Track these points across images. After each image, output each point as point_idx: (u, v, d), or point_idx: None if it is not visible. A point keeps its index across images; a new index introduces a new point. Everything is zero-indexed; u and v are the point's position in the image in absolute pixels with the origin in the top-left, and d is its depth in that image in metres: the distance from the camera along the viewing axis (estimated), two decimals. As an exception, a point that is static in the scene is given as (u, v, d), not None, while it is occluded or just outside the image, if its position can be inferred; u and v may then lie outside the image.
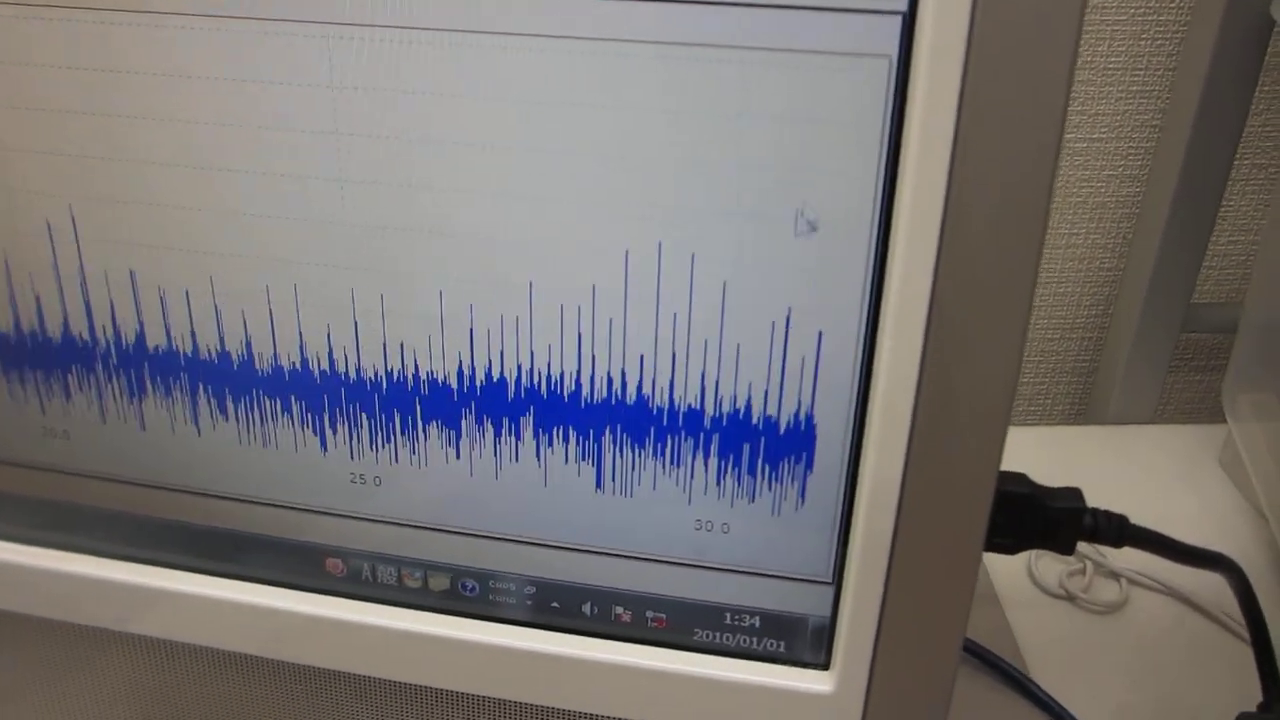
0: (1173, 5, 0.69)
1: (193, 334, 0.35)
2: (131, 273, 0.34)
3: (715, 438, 0.33)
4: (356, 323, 0.33)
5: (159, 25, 0.31)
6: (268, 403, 0.35)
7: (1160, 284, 0.72)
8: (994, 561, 0.61)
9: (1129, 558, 0.59)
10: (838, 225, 0.29)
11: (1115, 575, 0.60)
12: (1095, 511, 0.41)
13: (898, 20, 0.27)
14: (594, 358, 0.32)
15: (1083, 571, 0.60)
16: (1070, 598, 0.59)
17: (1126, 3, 0.69)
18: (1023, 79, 0.26)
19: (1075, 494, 0.41)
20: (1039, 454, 0.70)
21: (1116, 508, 0.47)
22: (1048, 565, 0.61)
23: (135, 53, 0.31)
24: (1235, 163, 0.72)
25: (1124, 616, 0.58)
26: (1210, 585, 0.57)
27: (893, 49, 0.27)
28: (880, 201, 0.29)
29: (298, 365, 0.34)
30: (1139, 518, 0.50)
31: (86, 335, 0.36)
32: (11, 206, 0.34)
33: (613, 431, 0.33)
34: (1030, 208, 0.28)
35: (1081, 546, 0.59)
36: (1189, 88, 0.67)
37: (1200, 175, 0.69)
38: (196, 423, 0.36)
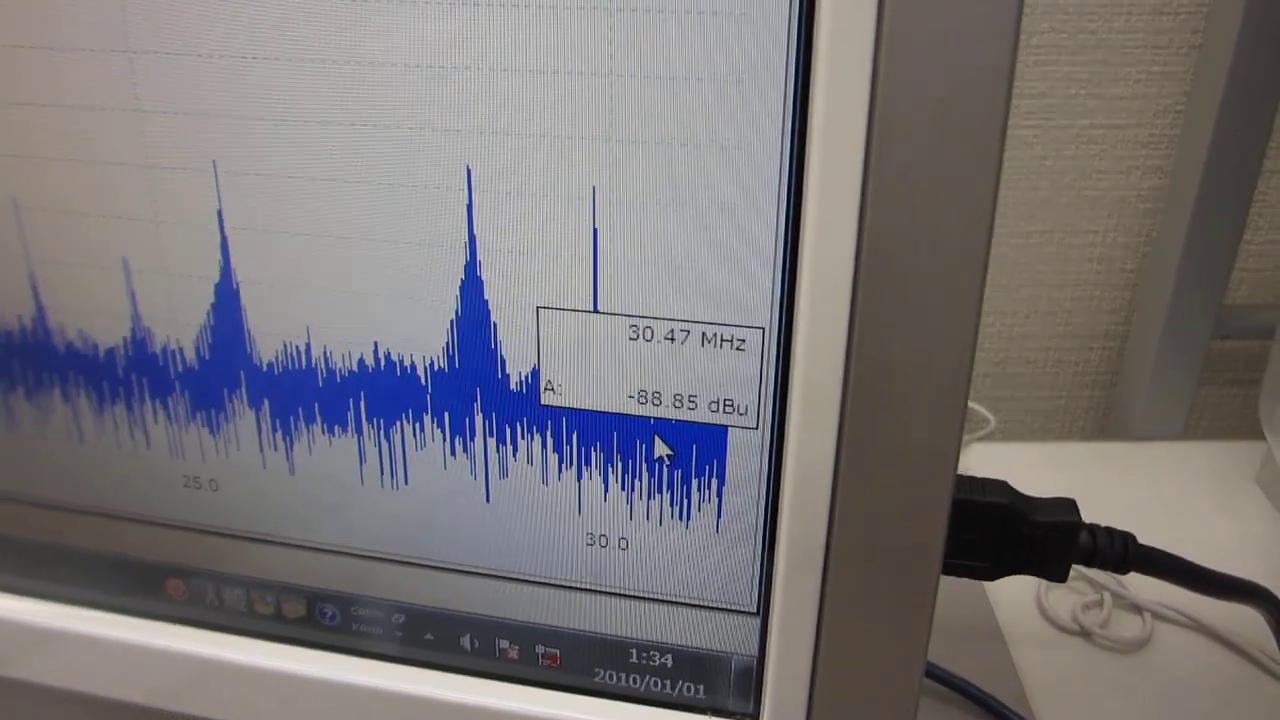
0: None
1: None
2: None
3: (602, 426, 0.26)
4: (172, 295, 0.27)
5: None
6: (75, 387, 0.29)
7: (1187, 285, 0.68)
8: (997, 591, 0.55)
9: (1154, 586, 0.53)
10: (740, 167, 0.23)
11: (1137, 608, 0.54)
12: (1094, 528, 0.34)
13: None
14: (454, 325, 0.26)
15: (1099, 603, 0.54)
16: (1085, 633, 0.53)
17: None
18: None
19: (1068, 506, 0.34)
20: (1056, 473, 0.66)
21: (1141, 532, 0.41)
22: (1060, 596, 0.55)
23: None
24: (1271, 151, 0.68)
25: (1147, 656, 0.52)
26: (1250, 620, 0.51)
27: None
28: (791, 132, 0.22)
29: (106, 343, 0.28)
30: (1166, 544, 0.44)
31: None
32: None
33: (483, 422, 0.27)
34: (987, 115, 0.21)
35: (1092, 572, 0.54)
36: (1216, 68, 0.63)
37: (1230, 165, 0.65)
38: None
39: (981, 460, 0.65)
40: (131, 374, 0.29)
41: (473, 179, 0.25)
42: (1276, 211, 0.71)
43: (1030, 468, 0.66)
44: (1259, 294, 0.73)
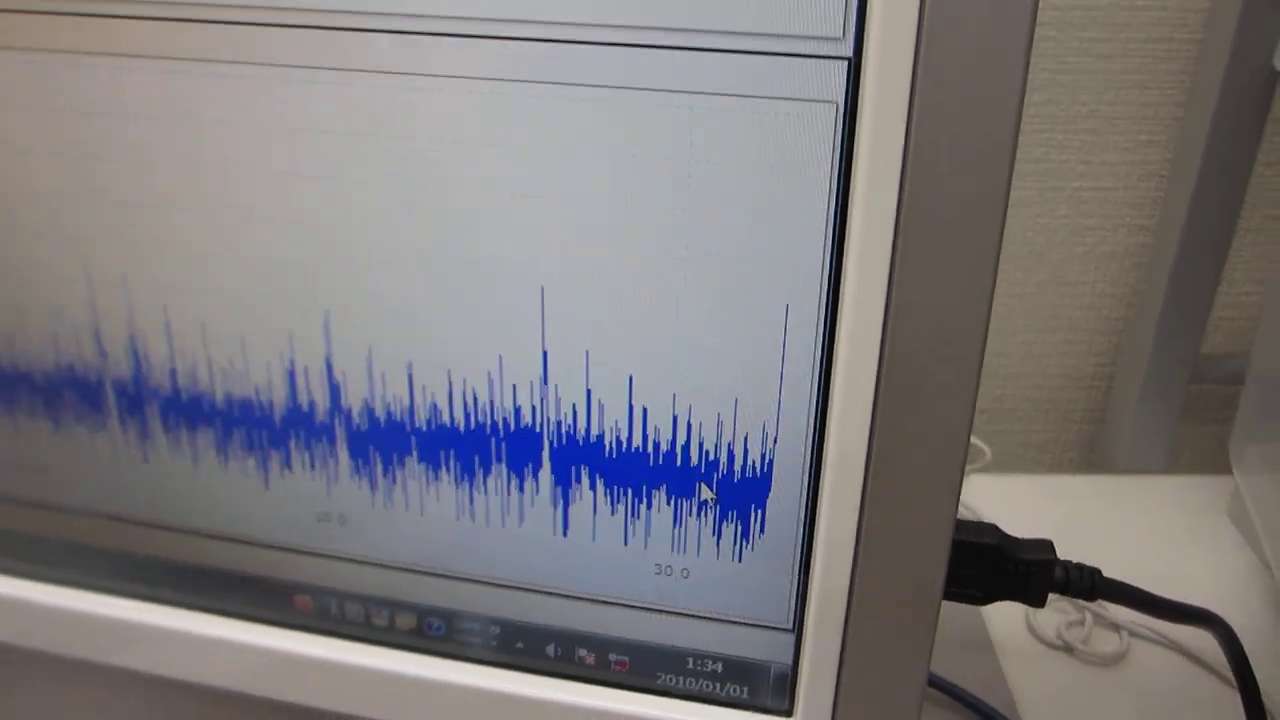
0: (1179, 55, 0.69)
1: (171, 371, 0.35)
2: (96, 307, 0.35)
3: (673, 482, 0.33)
4: (329, 364, 0.34)
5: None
6: (232, 438, 0.36)
7: (1167, 334, 0.72)
8: (990, 612, 0.60)
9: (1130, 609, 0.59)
10: (788, 272, 0.29)
11: (1115, 626, 0.59)
12: (1066, 564, 0.41)
13: (844, 65, 0.27)
14: (556, 403, 0.33)
15: (1081, 622, 0.59)
16: (1068, 649, 0.58)
17: (1133, 51, 0.69)
18: (968, 124, 0.26)
19: (1046, 546, 0.40)
20: (1047, 503, 0.70)
21: (1118, 560, 0.46)
22: (1046, 615, 0.60)
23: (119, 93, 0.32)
24: (1248, 213, 0.72)
25: (1123, 669, 0.57)
26: (1213, 638, 0.56)
27: (838, 95, 0.28)
28: (830, 248, 0.29)
29: (262, 401, 0.35)
30: (1144, 569, 0.49)
31: (53, 374, 0.36)
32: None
33: (575, 476, 0.33)
34: (983, 246, 0.28)
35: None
36: (1194, 138, 0.67)
37: (1207, 225, 0.69)
38: (163, 457, 0.37)
39: (978, 491, 0.69)
40: (288, 428, 0.35)
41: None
42: (1250, 266, 0.75)
43: (1023, 499, 0.70)
44: (1234, 341, 0.77)
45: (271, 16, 0.30)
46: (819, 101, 0.28)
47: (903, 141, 0.27)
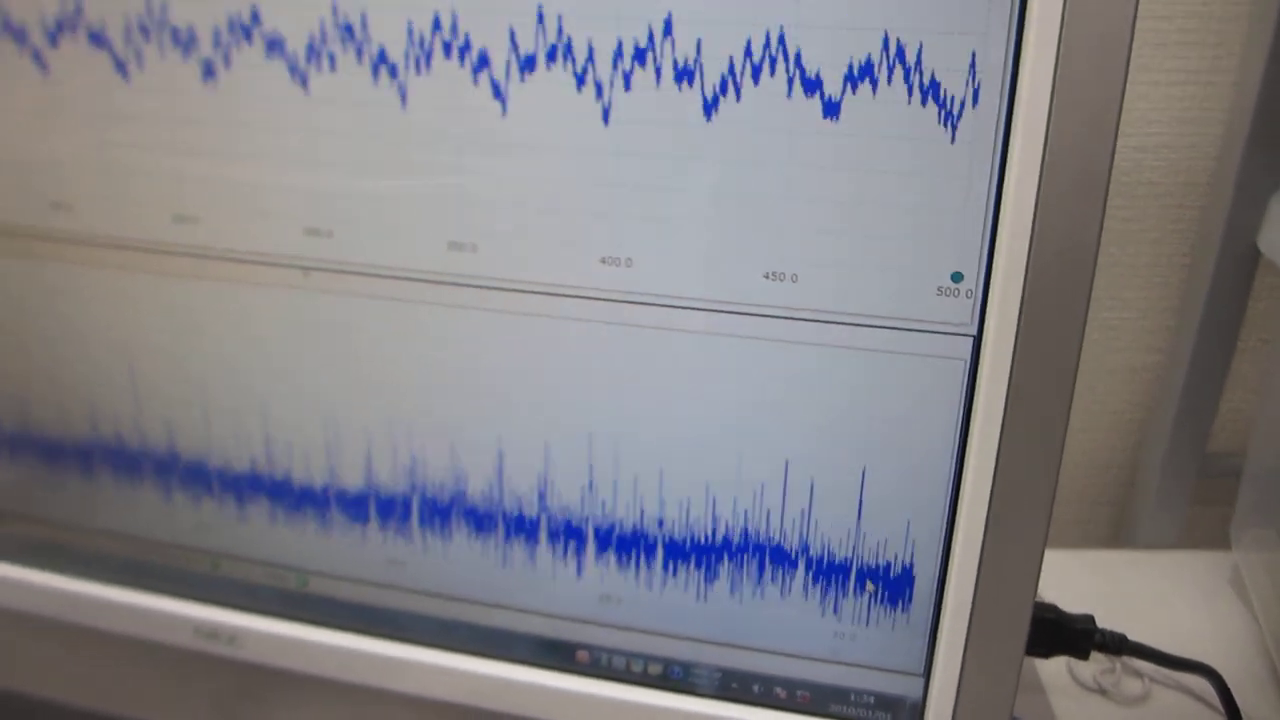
0: (1185, 218, 0.83)
1: (517, 494, 0.54)
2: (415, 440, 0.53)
3: (851, 580, 0.51)
4: (615, 492, 0.52)
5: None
6: (592, 552, 0.54)
7: (1179, 436, 0.83)
8: (1041, 663, 0.71)
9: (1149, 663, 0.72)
10: (930, 461, 0.47)
11: (1139, 674, 0.71)
12: (1103, 631, 0.58)
13: (970, 340, 0.45)
14: (774, 527, 0.51)
15: (1113, 671, 0.70)
16: (1102, 691, 0.69)
17: (1150, 215, 0.83)
18: (1040, 383, 0.44)
19: (1089, 619, 0.58)
20: (1083, 572, 0.81)
21: (1141, 620, 0.59)
22: (1086, 666, 0.70)
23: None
24: (1244, 336, 0.85)
25: (1145, 708, 0.68)
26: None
27: (966, 355, 0.46)
28: (956, 447, 0.47)
29: (586, 521, 0.53)
30: (1159, 628, 0.61)
31: (408, 491, 0.55)
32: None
33: (788, 573, 0.51)
34: (1051, 444, 0.46)
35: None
36: (1198, 286, 0.80)
37: (1209, 351, 0.80)
38: (497, 558, 0.55)
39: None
40: (583, 536, 0.53)
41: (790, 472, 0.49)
42: (1248, 380, 0.88)
43: (1064, 569, 0.83)
44: (1234, 441, 0.90)
45: (597, 293, 0.48)
46: (954, 359, 0.46)
47: (1006, 384, 0.45)
